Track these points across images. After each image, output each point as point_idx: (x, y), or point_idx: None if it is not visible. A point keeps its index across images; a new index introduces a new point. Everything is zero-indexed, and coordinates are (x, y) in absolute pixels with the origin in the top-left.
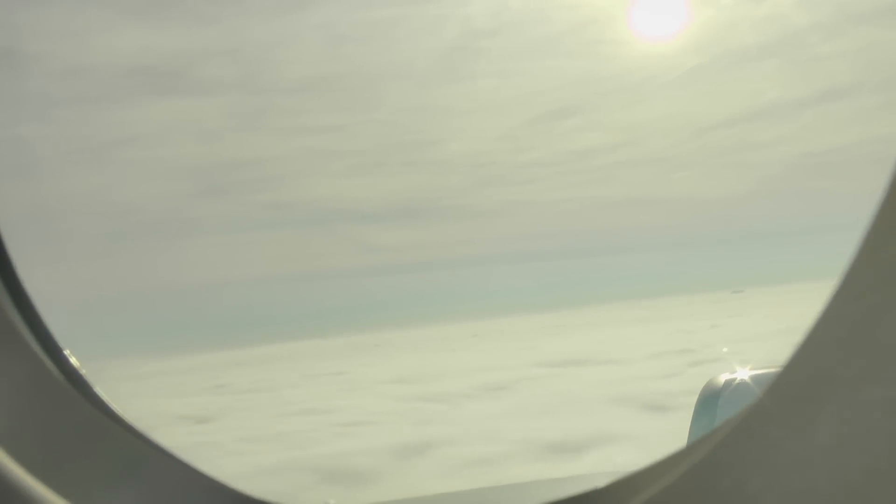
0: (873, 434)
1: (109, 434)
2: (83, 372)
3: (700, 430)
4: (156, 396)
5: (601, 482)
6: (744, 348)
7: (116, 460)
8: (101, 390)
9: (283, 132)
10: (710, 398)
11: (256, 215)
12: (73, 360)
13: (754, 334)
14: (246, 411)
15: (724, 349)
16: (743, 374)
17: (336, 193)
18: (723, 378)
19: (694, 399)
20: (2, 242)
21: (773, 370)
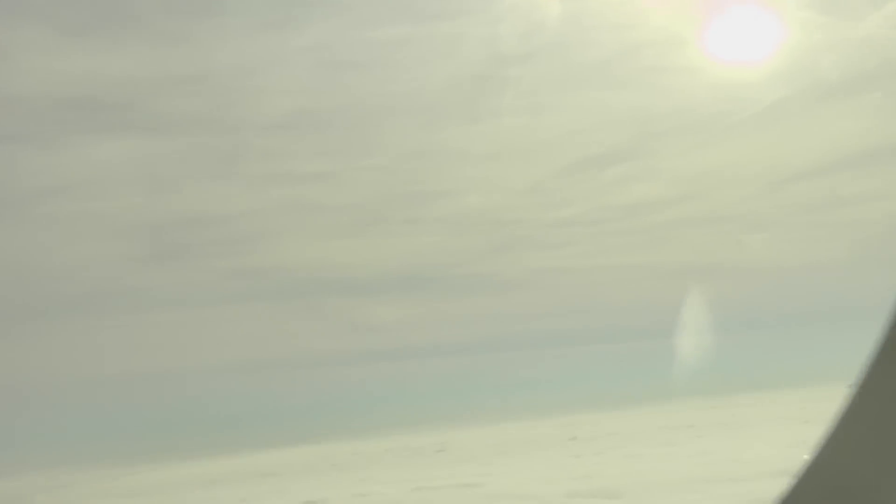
0: None
1: None
2: None
3: None
4: None
5: None
6: None
7: None
8: None
9: (258, 180)
10: None
11: (221, 286)
12: None
13: None
14: None
15: None
16: None
17: (322, 258)
18: None
19: None
20: None
21: None
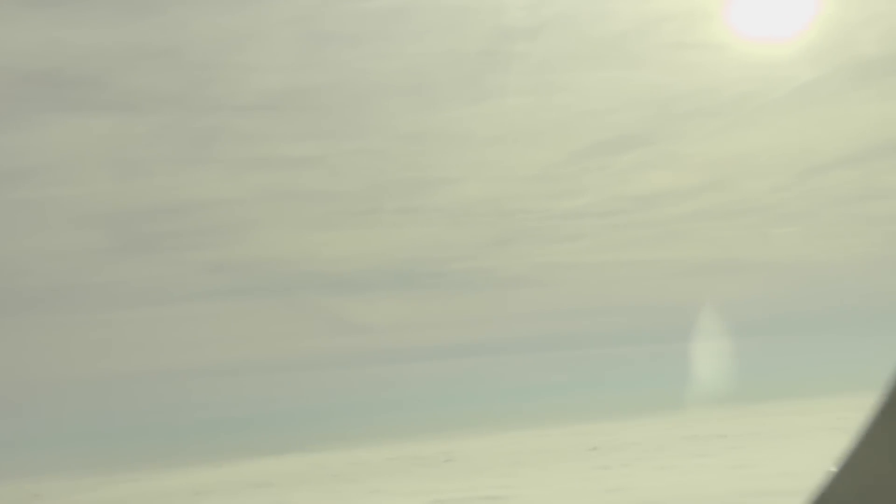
0: None
1: None
2: None
3: None
4: None
5: None
6: None
7: None
8: None
9: (238, 165)
10: None
11: (199, 281)
12: None
13: None
14: None
15: None
16: None
17: (308, 251)
18: None
19: None
20: None
21: None
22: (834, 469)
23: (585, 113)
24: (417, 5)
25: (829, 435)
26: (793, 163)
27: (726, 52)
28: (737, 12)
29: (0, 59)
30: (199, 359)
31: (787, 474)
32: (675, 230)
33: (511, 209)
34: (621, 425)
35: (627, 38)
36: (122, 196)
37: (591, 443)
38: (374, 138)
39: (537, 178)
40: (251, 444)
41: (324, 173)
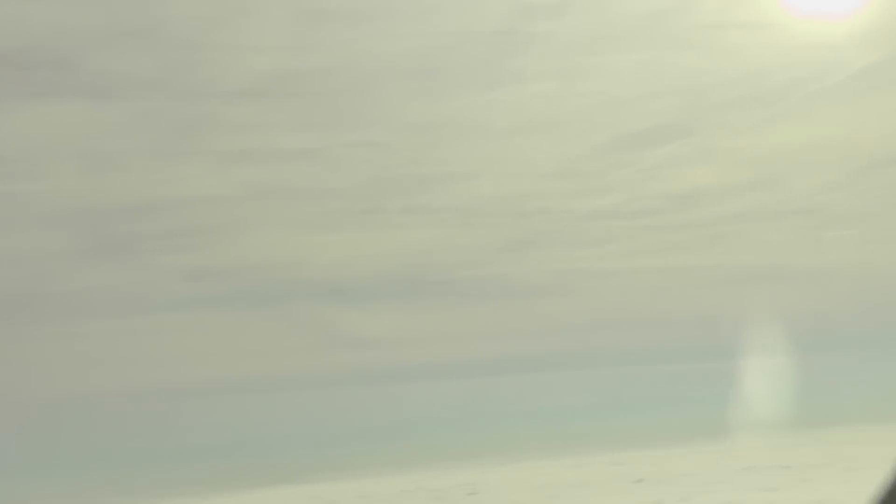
0: None
1: None
2: None
3: None
4: None
5: None
6: None
7: None
8: None
9: (224, 158)
10: None
11: (179, 288)
12: None
13: None
14: None
15: None
16: None
17: (303, 255)
18: None
19: None
20: None
21: None
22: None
23: (615, 101)
24: None
25: None
26: (848, 158)
27: (774, 32)
28: None
29: None
30: (177, 376)
31: None
32: (716, 233)
33: (531, 209)
34: (665, 454)
35: (663, 17)
36: (92, 192)
37: (634, 474)
38: (377, 129)
39: (560, 173)
40: (238, 474)
41: (321, 168)
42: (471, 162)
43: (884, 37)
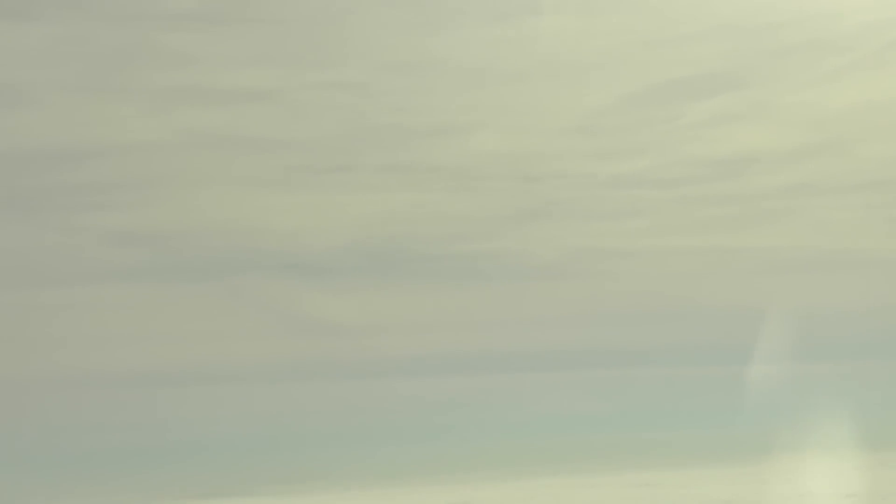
0: None
1: None
2: None
3: None
4: None
5: None
6: None
7: None
8: None
9: (159, 98)
10: None
11: (102, 256)
12: None
13: None
14: None
15: None
16: None
17: (257, 220)
18: None
19: None
20: None
21: None
22: None
23: (650, 42)
24: None
25: None
26: None
27: None
28: None
29: None
30: (102, 362)
31: None
32: (768, 209)
33: (541, 172)
34: (693, 473)
35: None
36: (1, 135)
37: (657, 498)
38: (352, 67)
39: (579, 129)
40: (181, 484)
41: (280, 113)
42: (469, 112)
43: None
